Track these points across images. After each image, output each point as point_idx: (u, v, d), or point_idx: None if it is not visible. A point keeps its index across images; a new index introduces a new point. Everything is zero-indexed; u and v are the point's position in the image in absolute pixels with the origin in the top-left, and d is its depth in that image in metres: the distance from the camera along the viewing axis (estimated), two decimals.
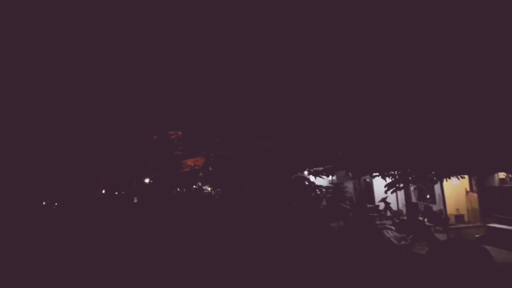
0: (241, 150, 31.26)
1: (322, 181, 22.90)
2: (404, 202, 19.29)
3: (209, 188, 44.79)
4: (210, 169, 43.81)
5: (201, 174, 48.22)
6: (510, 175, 13.50)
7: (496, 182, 14.76)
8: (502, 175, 14.29)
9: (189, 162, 48.33)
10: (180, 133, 48.87)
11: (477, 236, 13.95)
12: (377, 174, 15.39)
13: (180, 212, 30.26)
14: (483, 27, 10.86)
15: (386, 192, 14.67)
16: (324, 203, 20.30)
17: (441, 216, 15.37)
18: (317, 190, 21.07)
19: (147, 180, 56.00)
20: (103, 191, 59.20)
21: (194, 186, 51.62)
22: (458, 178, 15.87)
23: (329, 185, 21.65)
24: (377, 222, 17.53)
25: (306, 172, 23.18)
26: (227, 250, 14.03)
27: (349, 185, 22.41)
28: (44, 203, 46.03)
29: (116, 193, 61.29)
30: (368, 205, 19.81)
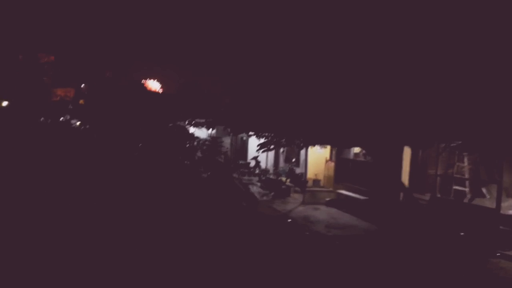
0: (121, 88, 29.26)
1: (202, 134, 23.16)
2: (272, 163, 20.81)
3: (78, 123, 41.40)
4: (81, 102, 39.99)
5: (70, 106, 44.03)
6: (363, 151, 15.49)
7: (351, 155, 16.87)
8: (357, 149, 16.33)
9: (59, 91, 43.39)
10: (52, 58, 43.16)
11: (327, 199, 15.92)
12: (253, 133, 16.22)
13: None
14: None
15: (258, 151, 15.64)
16: (200, 154, 20.65)
17: (301, 179, 17.10)
18: (195, 141, 21.24)
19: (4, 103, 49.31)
20: None
21: (61, 118, 47.12)
22: (321, 148, 17.71)
23: (207, 138, 22.02)
24: (245, 178, 18.69)
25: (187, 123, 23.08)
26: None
27: (227, 141, 23.12)
28: None
29: None
30: (241, 161, 20.86)
